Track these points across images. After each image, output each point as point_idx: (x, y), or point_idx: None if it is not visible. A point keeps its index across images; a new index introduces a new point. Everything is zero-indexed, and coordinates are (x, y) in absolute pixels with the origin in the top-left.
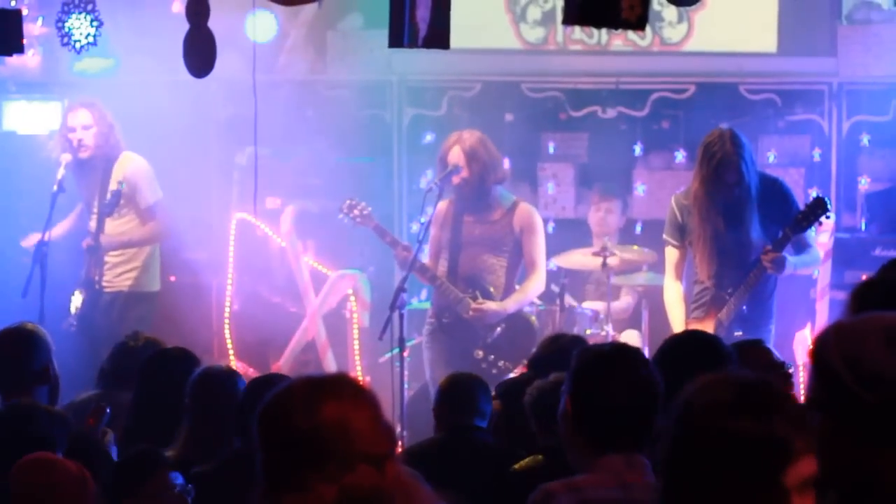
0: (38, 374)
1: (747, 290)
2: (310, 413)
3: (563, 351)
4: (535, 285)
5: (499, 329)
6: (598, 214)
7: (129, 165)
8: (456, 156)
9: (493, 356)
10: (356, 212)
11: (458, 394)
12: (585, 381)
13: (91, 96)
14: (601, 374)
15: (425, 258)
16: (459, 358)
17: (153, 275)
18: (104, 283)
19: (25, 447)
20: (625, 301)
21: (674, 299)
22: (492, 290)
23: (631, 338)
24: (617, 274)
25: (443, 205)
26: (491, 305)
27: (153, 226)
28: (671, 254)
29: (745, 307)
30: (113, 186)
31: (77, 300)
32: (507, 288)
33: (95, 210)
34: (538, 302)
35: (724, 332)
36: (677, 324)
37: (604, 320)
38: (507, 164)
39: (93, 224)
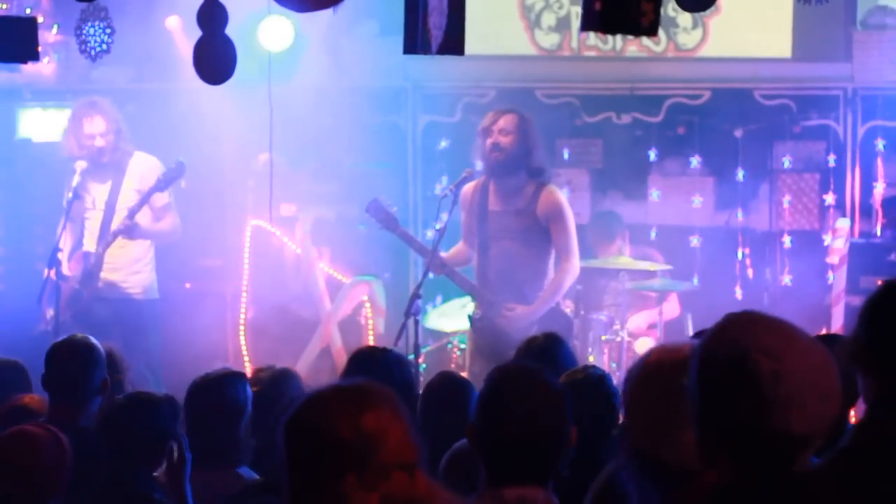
0: (97, 388)
1: None
2: (353, 423)
3: (541, 351)
4: (569, 276)
5: (532, 330)
6: (610, 251)
7: (145, 164)
8: (510, 120)
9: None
10: (381, 215)
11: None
12: (485, 406)
13: (98, 98)
14: (500, 399)
15: (455, 249)
16: (495, 358)
17: (153, 282)
18: (101, 288)
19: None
20: (641, 318)
21: None
22: (524, 285)
23: (646, 346)
24: (632, 280)
25: (469, 187)
26: (520, 311)
27: (171, 221)
28: None
29: None
30: (133, 184)
31: (50, 311)
32: (543, 276)
33: (102, 208)
34: None
35: None
36: None
37: (619, 327)
38: None
39: (95, 225)
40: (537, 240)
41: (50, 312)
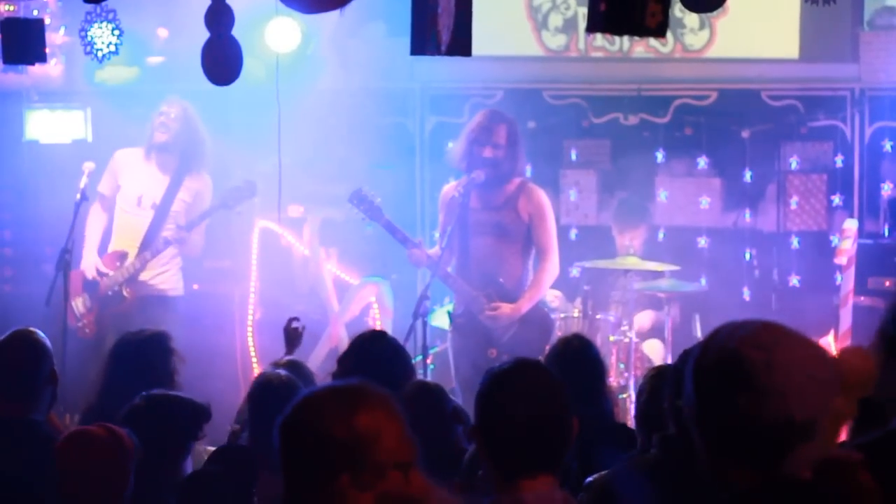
0: (47, 379)
1: None
2: (347, 422)
3: (577, 353)
4: (549, 274)
5: (514, 328)
6: (622, 240)
7: (202, 182)
8: (502, 133)
9: (506, 356)
10: (365, 205)
11: None
12: (486, 403)
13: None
14: (500, 394)
15: (436, 248)
16: (476, 356)
17: (180, 279)
18: (138, 284)
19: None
20: (646, 316)
21: None
22: (505, 282)
23: (654, 347)
24: (640, 281)
25: (449, 188)
26: (505, 309)
27: (201, 238)
28: None
29: None
30: (186, 196)
31: (80, 302)
32: (522, 274)
33: (151, 210)
34: (560, 314)
35: None
36: None
37: (627, 327)
38: (529, 170)
39: (141, 225)
40: (517, 236)
41: (80, 306)
